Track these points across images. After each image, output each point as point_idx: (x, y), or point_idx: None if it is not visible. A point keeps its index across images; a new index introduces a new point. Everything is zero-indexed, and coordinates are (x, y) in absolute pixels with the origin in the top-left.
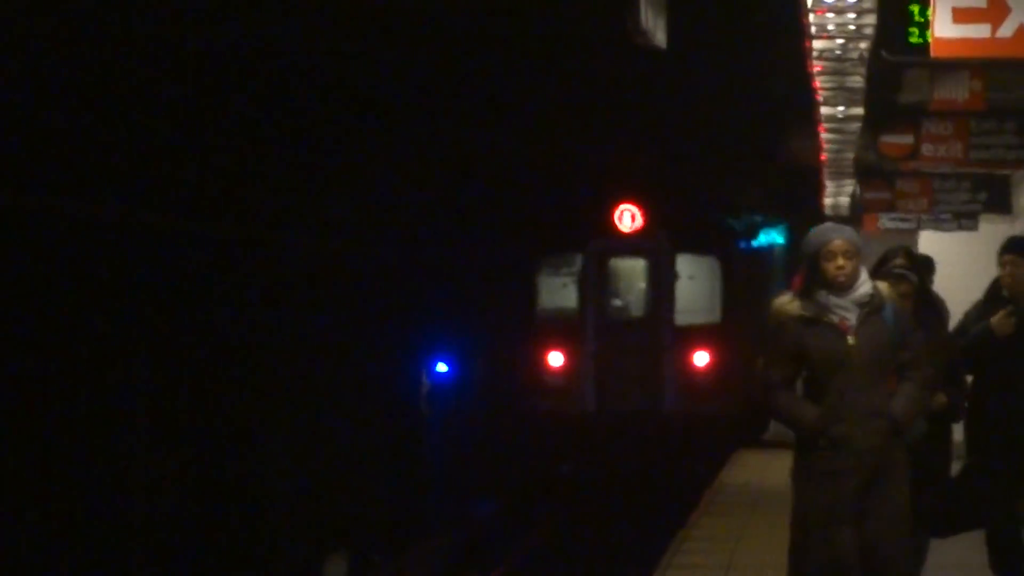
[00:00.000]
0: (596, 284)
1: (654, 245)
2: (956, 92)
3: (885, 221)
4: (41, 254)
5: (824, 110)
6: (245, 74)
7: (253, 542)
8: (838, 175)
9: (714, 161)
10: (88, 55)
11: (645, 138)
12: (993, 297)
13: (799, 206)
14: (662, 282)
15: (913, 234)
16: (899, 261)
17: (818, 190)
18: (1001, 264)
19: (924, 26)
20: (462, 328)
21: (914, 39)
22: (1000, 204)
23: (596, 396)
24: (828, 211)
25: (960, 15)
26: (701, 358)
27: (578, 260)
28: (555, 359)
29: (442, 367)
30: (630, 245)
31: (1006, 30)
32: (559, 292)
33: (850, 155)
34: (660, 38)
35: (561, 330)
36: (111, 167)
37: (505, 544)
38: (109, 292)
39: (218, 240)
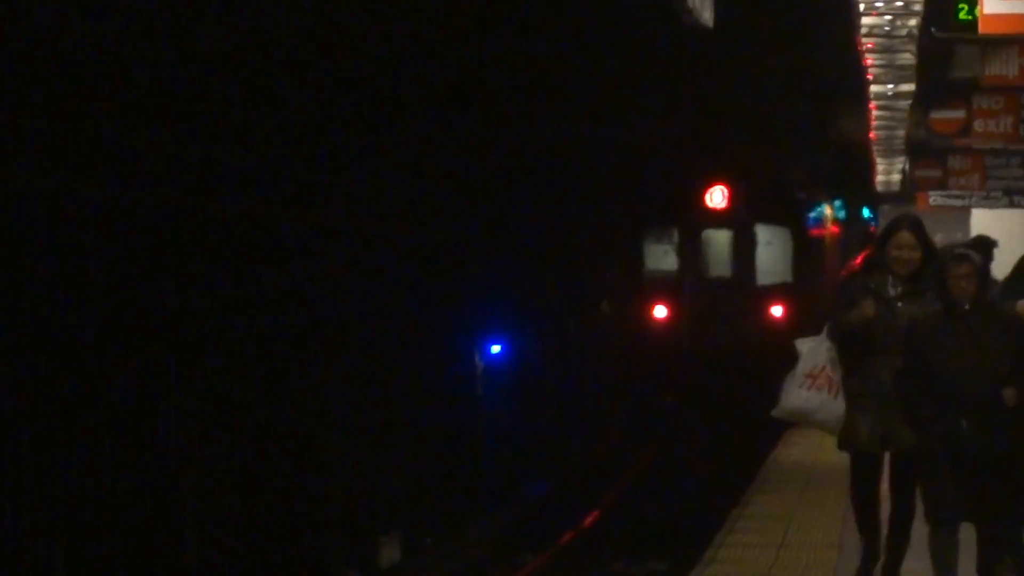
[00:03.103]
0: (691, 251)
1: (737, 218)
2: (1006, 68)
3: (936, 198)
4: (85, 236)
5: (874, 88)
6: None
7: (306, 524)
8: (889, 152)
9: (781, 143)
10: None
11: (712, 121)
12: (1020, 274)
13: (854, 183)
14: (744, 248)
15: (965, 211)
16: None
17: (870, 168)
18: None
19: (973, 2)
20: (516, 309)
21: (963, 15)
22: None
23: (691, 339)
24: (880, 188)
25: None
26: (776, 310)
27: (675, 233)
28: (659, 311)
29: (495, 348)
30: (718, 218)
31: None
32: (661, 258)
33: (900, 132)
34: (707, 17)
35: (663, 289)
36: (146, 153)
37: (558, 524)
38: (156, 276)
39: (267, 224)
